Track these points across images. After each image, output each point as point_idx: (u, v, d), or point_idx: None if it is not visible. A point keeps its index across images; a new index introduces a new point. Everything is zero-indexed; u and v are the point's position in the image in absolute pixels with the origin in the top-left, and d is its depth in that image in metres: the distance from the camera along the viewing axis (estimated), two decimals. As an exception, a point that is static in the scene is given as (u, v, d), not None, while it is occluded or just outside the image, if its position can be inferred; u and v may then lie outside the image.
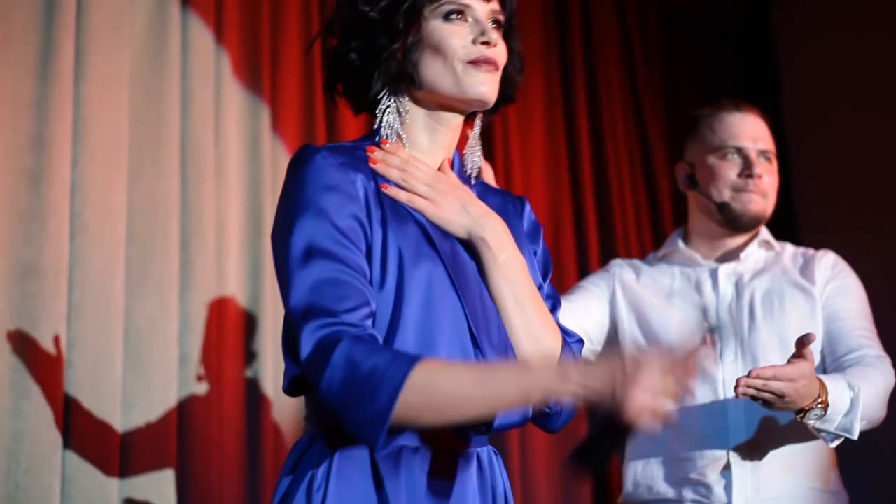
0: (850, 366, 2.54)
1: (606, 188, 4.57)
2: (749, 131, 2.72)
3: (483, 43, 1.73)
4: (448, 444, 1.68)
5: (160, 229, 3.11)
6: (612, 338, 2.76)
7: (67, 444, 2.86)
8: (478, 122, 1.85)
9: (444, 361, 1.61)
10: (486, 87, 1.74)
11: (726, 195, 2.71)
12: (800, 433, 2.54)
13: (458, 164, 1.87)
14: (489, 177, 2.36)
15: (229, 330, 3.23)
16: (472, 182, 1.86)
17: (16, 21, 2.92)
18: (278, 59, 3.58)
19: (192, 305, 3.15)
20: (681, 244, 2.81)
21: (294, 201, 1.66)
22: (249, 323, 3.30)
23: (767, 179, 2.71)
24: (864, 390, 2.41)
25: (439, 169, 1.81)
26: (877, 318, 2.72)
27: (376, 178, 1.74)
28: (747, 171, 2.69)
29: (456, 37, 1.73)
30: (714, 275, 2.73)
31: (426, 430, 1.64)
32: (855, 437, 2.42)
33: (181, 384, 3.10)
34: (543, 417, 1.79)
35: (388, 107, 1.77)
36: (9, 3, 2.92)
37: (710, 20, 5.24)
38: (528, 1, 4.48)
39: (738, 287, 2.69)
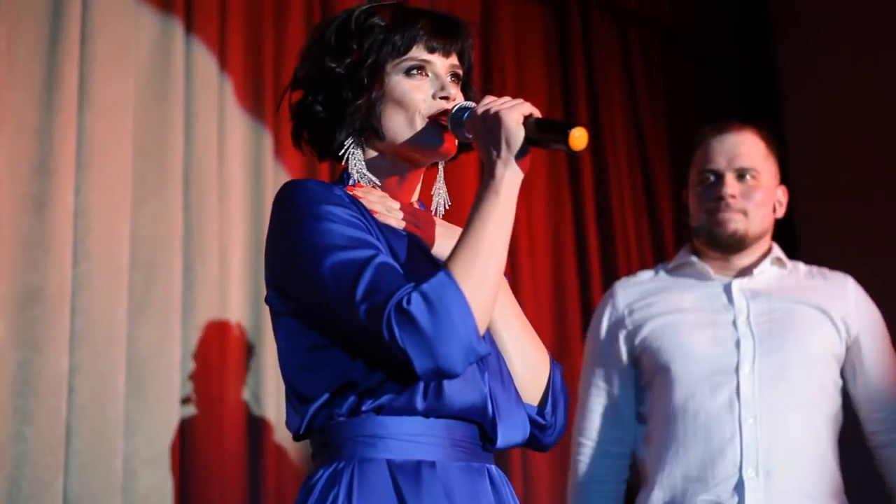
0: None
1: (608, 210, 4.57)
2: (726, 152, 2.73)
3: (442, 98, 1.80)
4: (463, 459, 1.72)
5: (163, 255, 3.13)
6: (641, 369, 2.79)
7: (69, 469, 2.87)
8: (440, 169, 1.91)
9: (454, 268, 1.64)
10: (445, 140, 1.81)
11: (701, 219, 2.75)
12: (813, 455, 2.58)
13: (423, 208, 1.93)
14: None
15: (231, 356, 3.24)
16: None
17: (21, 50, 2.95)
18: (281, 85, 3.59)
19: (194, 331, 3.17)
20: (693, 258, 2.80)
21: (299, 219, 1.69)
22: (251, 349, 3.31)
23: (746, 199, 2.71)
24: None
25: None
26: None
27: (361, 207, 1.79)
28: (717, 192, 2.71)
29: (417, 91, 1.80)
30: (728, 289, 2.73)
31: (442, 445, 1.69)
32: None
33: (183, 410, 3.11)
34: (538, 431, 1.84)
35: (353, 154, 1.82)
36: (14, 32, 2.94)
37: (713, 47, 5.25)
38: (530, 24, 4.51)
39: (753, 302, 2.69)
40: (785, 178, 4.95)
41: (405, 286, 1.60)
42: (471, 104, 1.78)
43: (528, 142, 1.68)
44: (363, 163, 1.82)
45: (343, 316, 1.63)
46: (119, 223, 3.04)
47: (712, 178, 2.73)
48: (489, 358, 1.75)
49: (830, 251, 4.75)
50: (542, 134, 1.68)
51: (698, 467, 2.58)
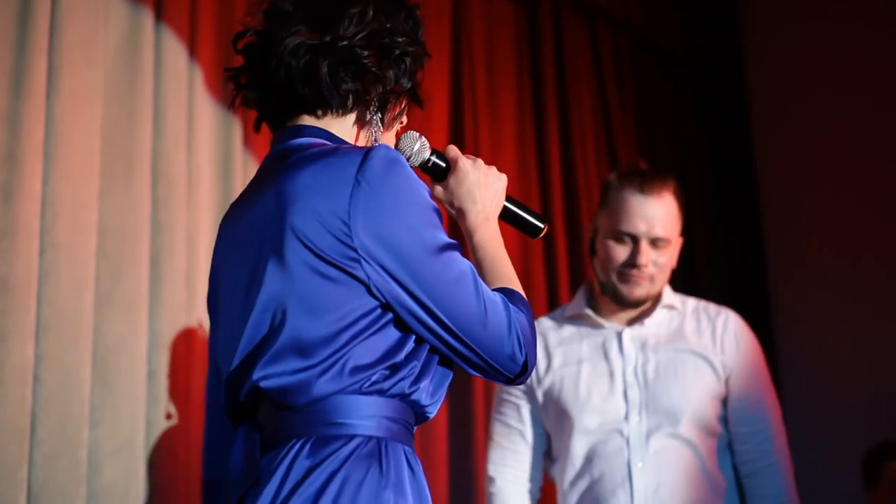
0: (751, 473, 2.87)
1: (576, 207, 4.60)
2: (645, 218, 2.81)
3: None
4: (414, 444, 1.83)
5: (130, 246, 3.11)
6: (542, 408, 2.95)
7: (34, 459, 2.85)
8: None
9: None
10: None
11: (612, 276, 2.85)
12: (702, 488, 2.77)
13: None
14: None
15: (198, 348, 3.23)
16: None
17: (-13, 38, 2.93)
18: (252, 76, 3.58)
19: (161, 323, 3.16)
20: (587, 309, 2.94)
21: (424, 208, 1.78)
22: (218, 341, 3.30)
23: (656, 266, 2.83)
24: None
25: None
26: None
27: None
28: (632, 259, 2.80)
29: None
30: (619, 338, 2.89)
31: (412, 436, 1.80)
32: None
33: (149, 402, 3.10)
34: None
35: (377, 121, 1.89)
36: (-19, 20, 2.92)
37: (682, 47, 5.29)
38: (501, 21, 4.53)
39: (643, 351, 2.85)
40: (751, 179, 5.01)
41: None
42: (442, 153, 2.01)
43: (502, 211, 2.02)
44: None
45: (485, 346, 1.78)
46: (86, 213, 3.03)
47: (627, 240, 2.82)
48: None
49: (798, 249, 4.79)
50: (515, 212, 2.05)
51: None
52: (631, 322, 2.91)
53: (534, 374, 2.85)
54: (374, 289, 1.71)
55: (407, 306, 1.72)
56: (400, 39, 1.85)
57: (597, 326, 2.92)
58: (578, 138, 4.70)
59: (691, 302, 2.96)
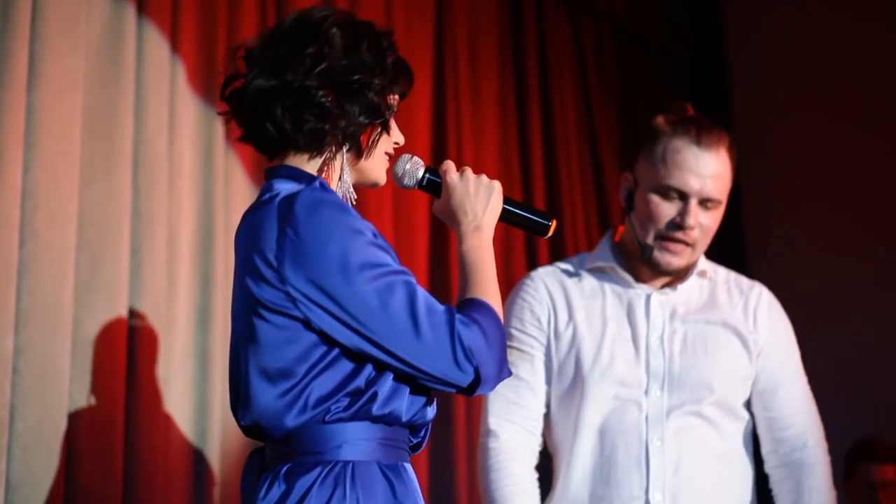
0: (790, 463, 2.57)
1: (558, 199, 4.61)
2: (699, 174, 2.48)
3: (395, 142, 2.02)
4: (405, 459, 1.91)
5: (111, 237, 3.10)
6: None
7: (12, 451, 2.84)
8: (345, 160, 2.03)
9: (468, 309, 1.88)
10: (385, 176, 2.03)
11: (650, 238, 2.52)
12: (722, 476, 2.53)
13: None
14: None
15: (178, 339, 3.22)
16: None
17: (-32, 27, 2.91)
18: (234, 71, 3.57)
19: (141, 314, 3.15)
20: (616, 265, 2.60)
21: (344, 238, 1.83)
22: (198, 333, 3.30)
23: (701, 230, 2.52)
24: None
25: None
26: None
27: None
28: (680, 219, 2.49)
29: (395, 132, 2.01)
30: (648, 302, 2.57)
31: (403, 448, 1.90)
32: None
33: (129, 393, 3.09)
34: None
35: (342, 160, 1.95)
36: (-38, 9, 2.91)
37: (665, 39, 5.30)
38: (484, 12, 4.53)
39: (672, 320, 2.55)
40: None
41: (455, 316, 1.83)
42: (436, 169, 2.06)
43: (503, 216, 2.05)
44: (348, 178, 1.96)
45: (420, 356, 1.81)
46: (67, 203, 3.01)
47: (675, 197, 2.49)
48: None
49: (777, 241, 4.82)
50: (516, 214, 2.10)
51: (603, 486, 2.50)
52: (662, 286, 2.58)
53: (551, 326, 2.56)
54: (314, 325, 1.81)
55: (342, 334, 1.80)
56: (356, 76, 1.89)
57: (625, 285, 2.58)
58: (561, 131, 4.71)
59: (722, 271, 2.66)
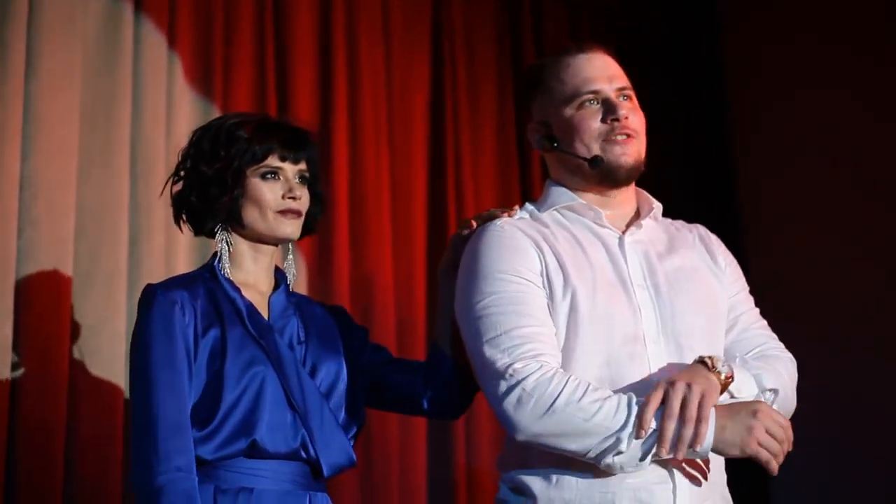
0: (755, 359, 2.32)
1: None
2: (601, 71, 2.35)
3: (290, 198, 2.28)
4: (283, 486, 2.17)
5: (109, 226, 3.13)
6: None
7: (12, 440, 2.86)
8: (291, 247, 2.38)
9: None
10: (290, 229, 2.30)
11: (595, 147, 2.31)
12: None
13: (283, 278, 2.36)
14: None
15: (177, 327, 3.23)
16: (291, 291, 2.36)
17: (-33, 19, 2.94)
18: (230, 66, 3.61)
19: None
20: (576, 197, 2.35)
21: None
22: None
23: (634, 119, 2.34)
24: (764, 372, 2.24)
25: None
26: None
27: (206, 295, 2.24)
28: (611, 114, 2.31)
29: (269, 192, 2.27)
30: (621, 243, 2.33)
31: (265, 474, 2.16)
32: None
33: (128, 381, 3.10)
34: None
35: (222, 239, 2.29)
36: (-40, 1, 2.94)
37: (661, 35, 5.29)
38: (482, 19, 4.53)
39: (646, 261, 2.34)
40: (729, 162, 5.04)
41: None
42: None
43: None
44: (226, 246, 2.29)
45: None
46: (65, 193, 3.04)
47: (593, 101, 2.33)
48: (310, 399, 2.21)
49: (774, 229, 4.81)
50: None
51: None
52: (626, 227, 2.36)
53: (544, 282, 2.23)
54: None
55: None
56: (203, 168, 2.28)
57: (599, 226, 2.34)
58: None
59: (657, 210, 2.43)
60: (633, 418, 2.05)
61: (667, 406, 2.03)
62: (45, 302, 2.96)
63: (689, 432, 2.02)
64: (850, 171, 4.58)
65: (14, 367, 2.88)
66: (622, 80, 2.37)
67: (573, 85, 2.35)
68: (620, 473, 2.10)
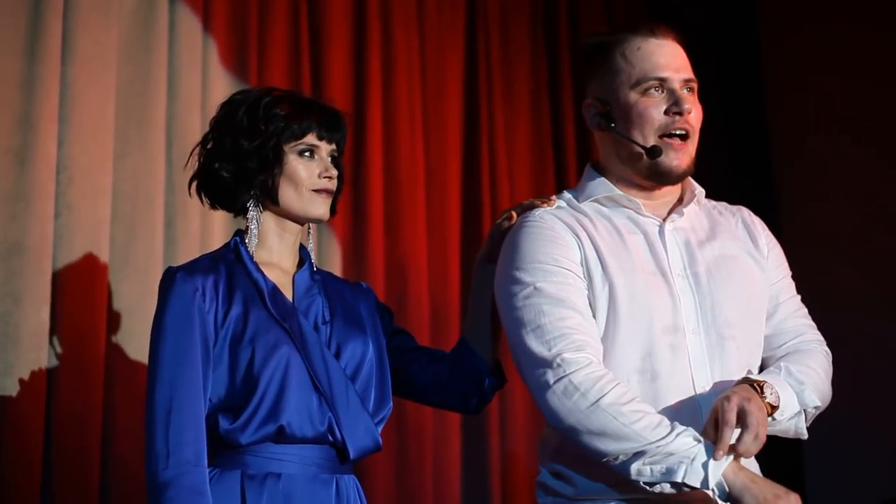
0: (789, 352, 2.33)
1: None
2: (671, 60, 2.29)
3: (326, 177, 2.29)
4: (309, 471, 2.16)
5: (145, 210, 3.13)
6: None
7: (49, 425, 2.87)
8: (312, 228, 2.40)
9: None
10: (323, 209, 2.30)
11: (651, 140, 2.27)
12: None
13: (307, 256, 2.37)
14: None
15: (213, 309, 3.23)
16: (316, 269, 2.36)
17: (3, 0, 2.94)
18: (265, 49, 3.60)
19: (175, 287, 3.16)
20: (619, 192, 2.33)
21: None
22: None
23: (695, 114, 2.29)
24: (807, 382, 2.23)
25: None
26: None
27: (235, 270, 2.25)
28: (675, 107, 2.26)
29: (305, 170, 2.28)
30: (661, 232, 2.31)
31: (292, 461, 2.15)
32: (805, 436, 2.25)
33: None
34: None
35: (254, 216, 2.28)
36: (-4, -17, 2.94)
37: (700, 20, 5.25)
38: (515, 2, 4.50)
39: (686, 249, 2.31)
40: (767, 152, 5.01)
41: None
42: None
43: None
44: (256, 223, 2.29)
45: None
46: (101, 177, 3.04)
47: (659, 88, 2.29)
48: (335, 382, 2.19)
49: (811, 218, 4.78)
50: None
51: None
52: (665, 212, 2.34)
53: (582, 243, 2.24)
54: None
55: None
56: (243, 141, 2.26)
57: (640, 214, 2.32)
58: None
59: (702, 195, 2.41)
60: (674, 436, 2.05)
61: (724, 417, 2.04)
62: (80, 286, 2.96)
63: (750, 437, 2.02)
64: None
65: (51, 350, 2.89)
66: (688, 72, 2.32)
67: (642, 69, 2.29)
68: (638, 483, 2.07)
